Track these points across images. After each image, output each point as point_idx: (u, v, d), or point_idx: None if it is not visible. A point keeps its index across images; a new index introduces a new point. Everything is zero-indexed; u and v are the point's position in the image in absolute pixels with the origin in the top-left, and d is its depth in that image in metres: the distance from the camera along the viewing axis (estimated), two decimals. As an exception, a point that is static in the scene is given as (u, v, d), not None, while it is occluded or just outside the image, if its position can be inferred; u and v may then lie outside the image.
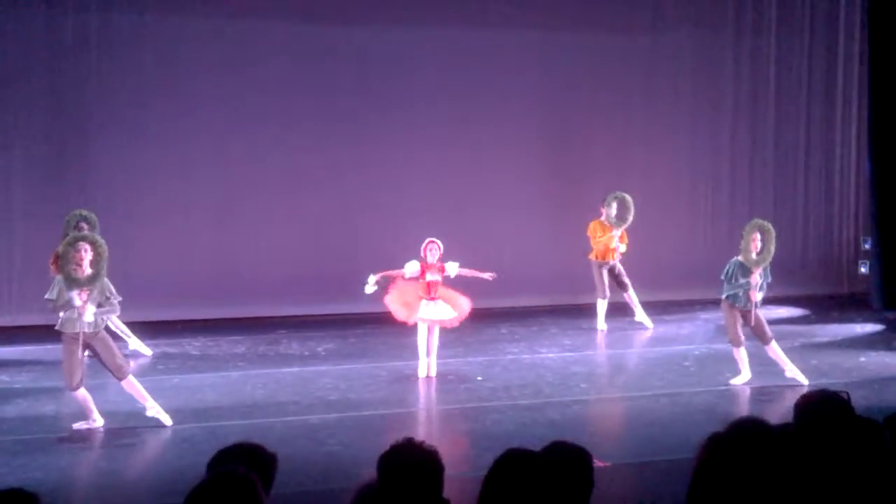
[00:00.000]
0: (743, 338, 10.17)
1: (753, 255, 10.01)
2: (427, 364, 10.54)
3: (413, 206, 13.94)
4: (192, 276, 13.18)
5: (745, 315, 10.11)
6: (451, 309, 10.53)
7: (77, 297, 8.44)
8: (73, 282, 8.47)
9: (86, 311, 8.45)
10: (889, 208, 14.34)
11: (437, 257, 10.50)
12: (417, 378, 10.47)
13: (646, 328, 13.04)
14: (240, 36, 13.49)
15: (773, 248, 10.07)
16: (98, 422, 8.66)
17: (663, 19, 14.86)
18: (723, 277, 10.16)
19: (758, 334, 10.20)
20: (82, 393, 8.62)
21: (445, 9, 14.15)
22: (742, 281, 10.01)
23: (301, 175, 13.73)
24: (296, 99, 13.71)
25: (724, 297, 10.17)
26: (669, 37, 14.90)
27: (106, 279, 8.64)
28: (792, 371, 10.22)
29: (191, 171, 13.33)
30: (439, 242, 10.54)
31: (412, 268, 10.45)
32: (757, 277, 9.98)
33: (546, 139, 14.62)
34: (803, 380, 10.12)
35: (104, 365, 8.70)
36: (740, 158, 15.46)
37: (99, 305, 8.60)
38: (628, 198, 12.89)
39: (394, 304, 10.54)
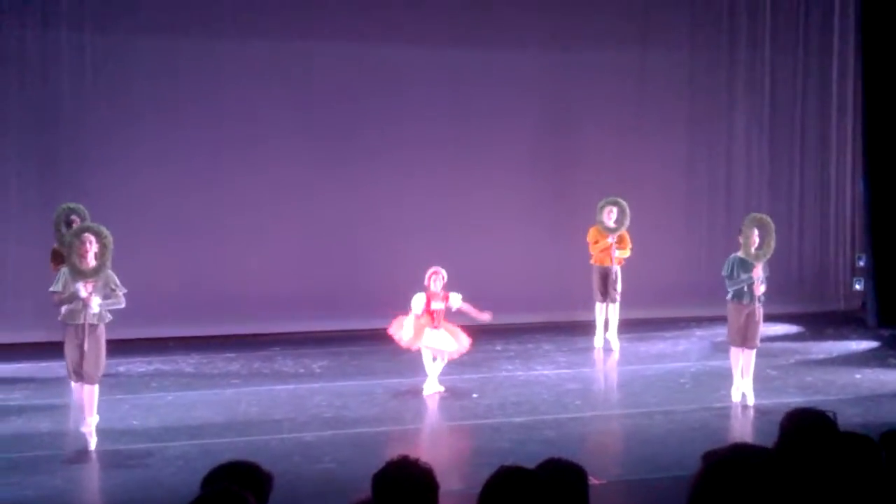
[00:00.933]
0: (745, 340, 10.09)
1: (753, 250, 10.01)
2: (433, 382, 10.55)
3: (408, 224, 13.94)
4: (186, 292, 13.15)
5: (750, 314, 10.05)
6: (452, 340, 10.59)
7: (83, 289, 8.42)
8: (78, 273, 8.46)
9: (91, 302, 8.44)
10: (883, 225, 14.35)
11: (440, 286, 10.53)
12: (422, 395, 10.48)
13: (611, 350, 12.88)
14: (234, 52, 13.50)
15: (773, 243, 10.08)
16: (91, 423, 8.63)
17: (657, 33, 14.88)
18: (724, 274, 10.12)
19: (749, 335, 10.11)
20: (88, 389, 8.62)
21: (439, 27, 14.17)
22: (744, 276, 9.98)
23: (295, 192, 13.72)
24: (290, 116, 13.71)
25: (729, 296, 10.13)
26: (663, 51, 14.92)
27: (110, 271, 8.63)
28: (747, 387, 10.18)
29: (183, 188, 13.31)
30: (443, 271, 10.56)
31: (419, 302, 10.49)
32: (759, 271, 9.96)
33: (540, 155, 14.62)
34: (750, 400, 10.13)
35: (83, 359, 8.51)
36: (735, 176, 15.47)
37: (104, 297, 8.58)
38: (623, 202, 12.91)
39: (398, 331, 10.59)
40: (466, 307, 10.70)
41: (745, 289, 10.00)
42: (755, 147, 15.57)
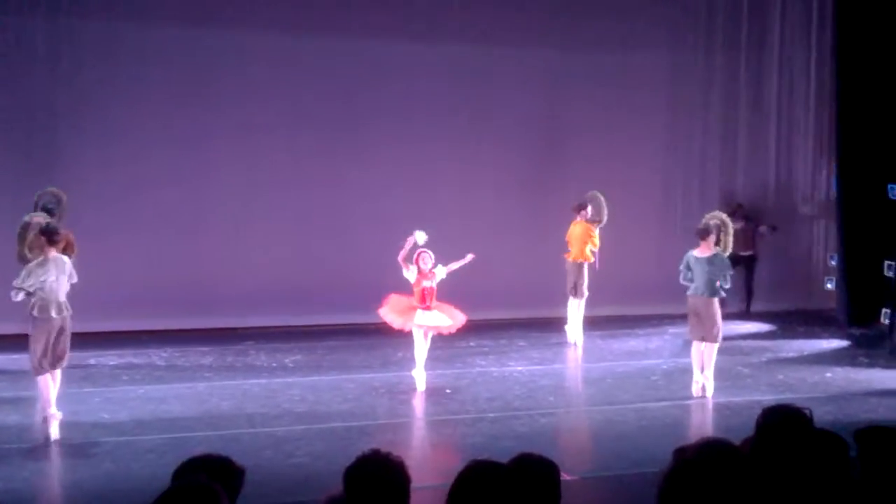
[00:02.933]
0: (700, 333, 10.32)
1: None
2: (421, 369, 10.52)
3: (382, 220, 13.88)
4: (160, 286, 13.05)
5: (706, 307, 10.27)
6: (446, 317, 10.55)
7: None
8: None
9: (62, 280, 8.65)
10: (854, 226, 14.47)
11: (429, 265, 10.50)
12: (416, 391, 10.44)
13: (571, 343, 12.97)
14: (220, 43, 13.40)
15: (730, 241, 10.41)
16: (57, 414, 8.60)
17: (635, 37, 14.93)
18: (681, 268, 10.39)
19: (706, 328, 10.28)
20: (47, 379, 8.56)
21: (428, 24, 14.11)
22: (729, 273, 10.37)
23: (270, 186, 13.66)
24: (268, 108, 13.63)
25: (689, 291, 10.36)
26: (642, 54, 14.97)
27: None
28: (708, 380, 10.33)
29: (157, 181, 13.21)
30: (430, 252, 10.54)
31: (412, 274, 10.45)
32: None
33: (521, 155, 14.63)
34: (709, 392, 10.32)
35: (63, 346, 8.72)
36: (710, 176, 15.55)
37: None
38: (600, 196, 13.02)
39: (389, 314, 10.54)
40: (451, 266, 10.64)
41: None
42: (729, 147, 15.66)
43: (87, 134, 13.04)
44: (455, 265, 10.69)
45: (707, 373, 10.36)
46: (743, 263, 14.65)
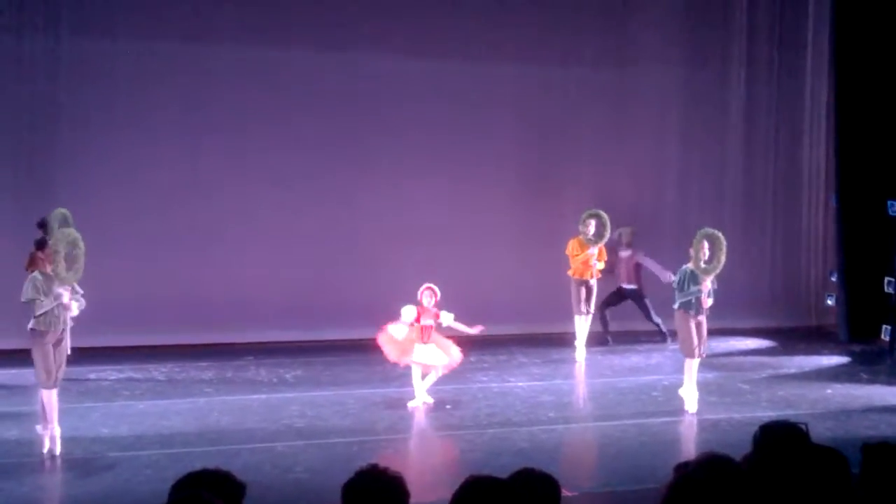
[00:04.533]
0: (697, 350, 10.27)
1: (703, 264, 10.15)
2: (420, 397, 10.52)
3: (383, 235, 13.91)
4: (160, 301, 13.04)
5: (699, 324, 10.28)
6: (443, 354, 10.53)
7: (66, 294, 8.57)
8: (61, 279, 8.54)
9: (72, 306, 8.65)
10: (855, 241, 14.48)
11: (432, 303, 10.49)
12: (395, 406, 10.45)
13: (577, 361, 12.96)
14: (219, 58, 13.42)
15: (723, 258, 10.22)
16: (56, 430, 8.58)
17: (632, 53, 14.95)
18: (674, 286, 10.37)
19: (698, 344, 10.27)
20: (53, 395, 8.54)
21: (427, 44, 14.12)
22: (693, 289, 10.20)
23: (270, 202, 13.64)
24: (267, 125, 13.64)
25: (676, 306, 10.37)
26: (638, 70, 14.99)
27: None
28: (690, 393, 10.32)
29: (159, 196, 13.22)
30: (436, 288, 10.53)
31: (409, 313, 10.44)
32: (708, 285, 10.16)
33: (519, 170, 14.64)
34: (692, 407, 10.29)
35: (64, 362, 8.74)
36: (708, 191, 15.54)
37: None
38: (604, 215, 13.02)
39: (387, 344, 10.53)
40: (457, 325, 10.66)
41: (693, 300, 10.25)
42: (730, 162, 15.66)
43: (90, 148, 13.03)
44: (461, 327, 10.68)
45: (691, 385, 10.42)
46: (630, 298, 13.94)
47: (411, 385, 10.54)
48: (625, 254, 13.79)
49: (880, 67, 14.29)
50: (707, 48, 15.42)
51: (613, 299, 13.89)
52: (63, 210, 10.68)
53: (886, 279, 13.68)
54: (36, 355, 8.58)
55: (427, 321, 10.45)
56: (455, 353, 10.62)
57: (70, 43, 13.00)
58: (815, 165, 15.98)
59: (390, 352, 10.50)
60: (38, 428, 8.64)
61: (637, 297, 13.92)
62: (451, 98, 14.28)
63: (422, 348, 10.45)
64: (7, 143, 12.88)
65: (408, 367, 10.61)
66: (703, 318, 10.27)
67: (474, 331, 10.75)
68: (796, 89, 15.82)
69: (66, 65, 13.02)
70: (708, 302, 10.21)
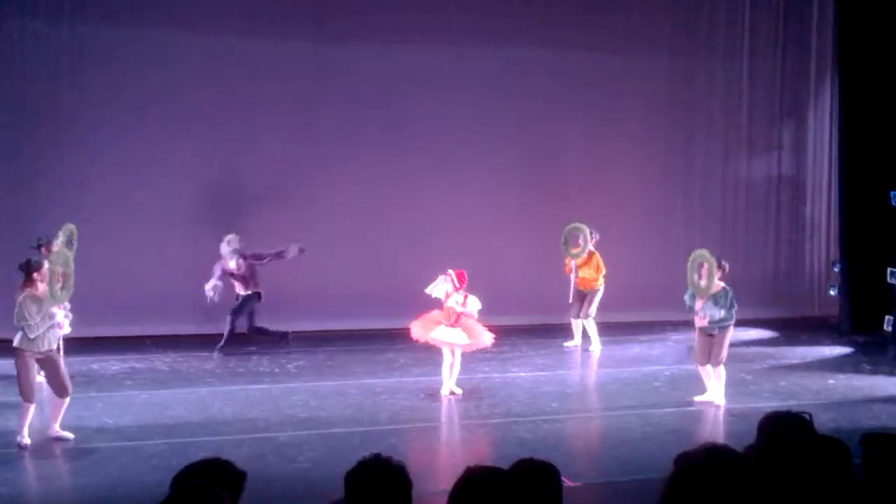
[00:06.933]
0: (705, 358, 10.28)
1: (701, 285, 10.15)
2: (449, 384, 10.52)
3: (388, 226, 13.93)
4: (163, 291, 13.06)
5: (711, 337, 10.27)
6: (464, 335, 10.50)
7: (59, 313, 8.65)
8: (55, 298, 8.59)
9: (64, 324, 8.78)
10: (858, 233, 14.47)
11: (463, 287, 10.43)
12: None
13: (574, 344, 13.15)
14: (231, 50, 13.44)
15: (714, 279, 10.16)
16: (26, 440, 8.57)
17: (636, 42, 14.93)
18: (686, 304, 10.39)
19: (713, 354, 10.26)
20: (32, 408, 8.60)
21: (430, 32, 14.15)
22: (694, 307, 10.28)
23: (273, 191, 13.68)
24: (274, 116, 13.66)
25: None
26: (643, 60, 14.98)
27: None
28: (717, 393, 10.33)
29: (159, 188, 13.24)
30: (465, 274, 10.50)
31: (440, 288, 10.39)
32: (699, 304, 10.15)
33: (524, 162, 14.63)
34: (721, 401, 10.29)
35: (51, 381, 8.71)
36: (712, 183, 15.55)
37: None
38: (569, 228, 13.01)
39: (415, 323, 10.57)
40: (473, 322, 10.56)
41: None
42: (732, 156, 15.65)
43: (91, 139, 13.05)
44: (477, 326, 10.63)
45: (718, 386, 10.38)
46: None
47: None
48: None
49: (884, 59, 14.25)
50: (712, 40, 15.41)
51: None
52: (71, 226, 10.37)
53: (889, 270, 13.66)
54: (20, 370, 8.59)
55: (453, 303, 10.39)
56: (484, 337, 10.57)
57: (72, 33, 12.99)
58: (818, 156, 15.97)
59: (414, 328, 10.53)
60: (18, 438, 8.61)
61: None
62: (458, 89, 14.26)
63: (446, 330, 10.42)
64: (8, 135, 12.86)
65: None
66: (716, 332, 10.21)
67: (487, 336, 10.66)
68: (800, 79, 15.80)
69: (67, 54, 13.03)
70: (705, 321, 10.16)
